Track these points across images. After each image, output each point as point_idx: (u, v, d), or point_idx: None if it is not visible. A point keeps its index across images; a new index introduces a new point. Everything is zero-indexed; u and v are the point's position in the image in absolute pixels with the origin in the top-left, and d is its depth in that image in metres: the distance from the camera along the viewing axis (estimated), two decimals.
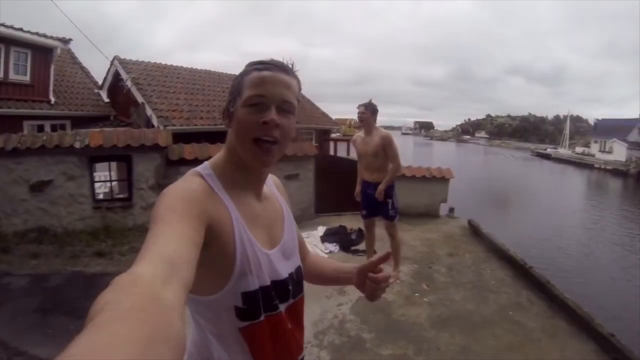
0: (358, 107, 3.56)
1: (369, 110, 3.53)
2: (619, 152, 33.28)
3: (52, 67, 9.57)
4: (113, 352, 0.31)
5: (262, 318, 0.78)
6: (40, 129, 8.80)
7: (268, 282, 0.79)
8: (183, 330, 0.42)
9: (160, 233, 0.57)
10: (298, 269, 0.90)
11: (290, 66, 0.82)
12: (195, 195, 0.70)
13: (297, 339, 0.88)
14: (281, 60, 0.82)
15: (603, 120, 43.34)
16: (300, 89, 0.83)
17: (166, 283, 0.47)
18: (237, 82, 0.80)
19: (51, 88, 9.50)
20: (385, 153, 3.54)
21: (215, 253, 0.70)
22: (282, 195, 0.96)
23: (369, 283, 0.90)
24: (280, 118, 0.76)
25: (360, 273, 0.92)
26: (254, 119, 0.75)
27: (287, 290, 0.85)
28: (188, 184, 0.73)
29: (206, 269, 0.64)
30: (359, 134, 3.73)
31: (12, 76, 8.62)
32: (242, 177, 0.81)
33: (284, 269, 0.85)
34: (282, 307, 0.83)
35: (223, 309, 0.75)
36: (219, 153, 0.84)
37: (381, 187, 3.55)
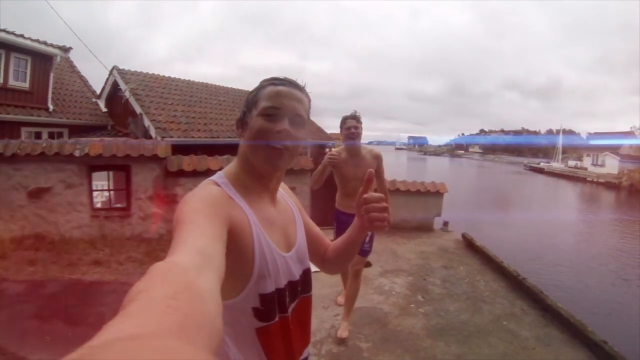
0: (346, 121, 2.79)
1: (360, 125, 2.80)
2: (611, 166, 33.52)
3: (51, 75, 9.61)
4: (139, 341, 0.29)
5: (276, 319, 0.80)
6: (38, 136, 8.81)
7: (283, 285, 0.82)
8: (219, 317, 0.42)
9: (189, 230, 0.59)
10: (307, 271, 0.93)
11: (303, 85, 0.89)
12: (216, 199, 0.73)
13: (300, 339, 0.89)
14: (295, 79, 0.88)
15: (595, 134, 44.04)
16: (310, 106, 0.89)
17: (201, 271, 0.48)
18: (253, 95, 0.85)
19: (50, 95, 9.53)
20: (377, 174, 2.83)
21: (234, 257, 0.71)
22: (294, 200, 1.00)
23: (364, 209, 0.85)
24: (292, 129, 0.81)
25: (357, 208, 0.87)
26: (269, 127, 0.80)
27: (296, 292, 0.88)
28: (208, 190, 0.76)
29: (226, 274, 0.63)
30: (340, 153, 2.87)
31: (12, 82, 8.65)
32: (256, 183, 0.84)
33: (297, 271, 0.89)
34: (290, 308, 0.86)
35: (241, 312, 0.77)
36: (231, 163, 0.88)
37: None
